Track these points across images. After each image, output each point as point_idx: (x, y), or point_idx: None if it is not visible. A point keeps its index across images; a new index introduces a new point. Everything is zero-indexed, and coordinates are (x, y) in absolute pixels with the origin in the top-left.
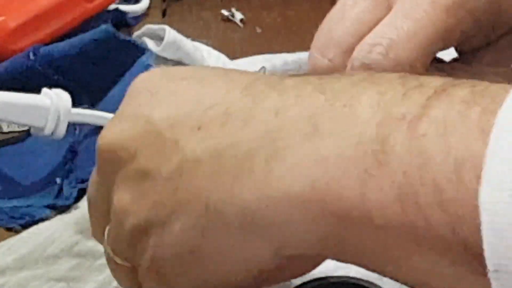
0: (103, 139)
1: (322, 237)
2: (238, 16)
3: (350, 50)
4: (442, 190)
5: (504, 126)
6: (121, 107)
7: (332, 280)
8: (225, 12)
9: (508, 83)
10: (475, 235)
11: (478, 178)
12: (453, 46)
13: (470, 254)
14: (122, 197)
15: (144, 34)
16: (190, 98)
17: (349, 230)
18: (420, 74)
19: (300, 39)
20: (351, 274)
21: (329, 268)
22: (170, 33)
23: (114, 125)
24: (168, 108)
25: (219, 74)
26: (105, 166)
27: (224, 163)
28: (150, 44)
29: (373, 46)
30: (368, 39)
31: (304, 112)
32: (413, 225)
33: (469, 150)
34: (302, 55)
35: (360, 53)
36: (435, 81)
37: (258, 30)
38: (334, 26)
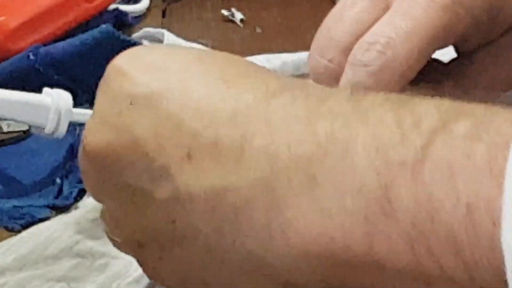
0: (88, 145)
1: (329, 278)
2: (238, 16)
3: (349, 50)
4: (455, 237)
5: None
6: (99, 104)
7: None
8: (225, 12)
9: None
10: (495, 279)
11: (493, 221)
12: (452, 45)
13: None
14: (113, 207)
15: (142, 37)
16: (175, 115)
17: (357, 274)
18: (416, 74)
19: (300, 39)
20: None
21: None
22: (169, 37)
23: (98, 131)
24: (151, 124)
25: (207, 83)
26: (92, 170)
27: (222, 206)
28: None
29: (371, 44)
30: (366, 37)
31: (299, 160)
32: (427, 272)
33: (480, 193)
34: (302, 55)
35: (358, 51)
36: (432, 114)
37: (258, 30)
38: (333, 26)
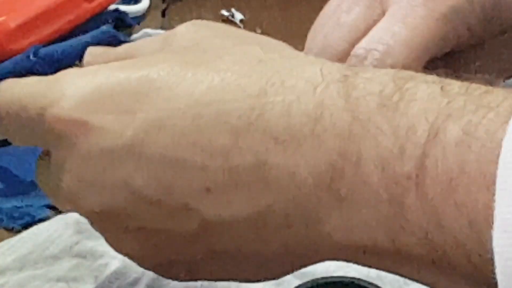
0: (84, 210)
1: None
2: (238, 16)
3: (346, 57)
4: (464, 246)
5: (507, 165)
6: (72, 166)
7: (332, 280)
8: (225, 13)
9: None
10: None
11: (492, 230)
12: (447, 51)
13: None
14: (129, 247)
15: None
16: (169, 156)
17: (382, 262)
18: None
19: (300, 39)
20: (351, 274)
21: (329, 268)
22: None
23: (87, 195)
24: (147, 172)
25: (186, 106)
26: (101, 229)
27: (264, 227)
28: None
29: (369, 51)
30: (364, 43)
31: (322, 179)
32: (440, 264)
33: (478, 205)
34: None
35: (356, 58)
36: (422, 121)
37: (258, 30)
38: (330, 33)
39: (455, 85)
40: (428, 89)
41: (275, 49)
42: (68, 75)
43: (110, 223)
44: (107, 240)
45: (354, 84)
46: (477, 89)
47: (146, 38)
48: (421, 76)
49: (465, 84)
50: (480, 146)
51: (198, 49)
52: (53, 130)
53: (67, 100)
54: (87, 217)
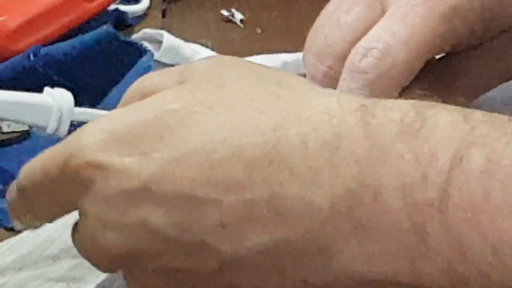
0: (110, 246)
1: None
2: (238, 16)
3: (346, 56)
4: (488, 275)
5: None
6: (91, 208)
7: None
8: (225, 13)
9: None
10: None
11: None
12: (447, 51)
13: None
14: (150, 284)
15: (141, 38)
16: (184, 194)
17: None
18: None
19: (300, 39)
20: None
21: None
22: (168, 39)
23: (109, 236)
24: (164, 211)
25: (205, 143)
26: (122, 269)
27: (279, 259)
28: (149, 48)
29: (368, 49)
30: (364, 42)
31: (340, 209)
32: None
33: (503, 233)
34: (302, 55)
35: (356, 57)
36: (446, 147)
37: (258, 30)
38: (330, 33)
39: (477, 113)
40: (450, 116)
41: (292, 85)
42: (83, 128)
43: (133, 265)
44: (130, 282)
45: (373, 113)
46: (499, 116)
47: (160, 71)
48: (442, 104)
49: (487, 112)
50: (505, 175)
51: (215, 86)
52: (76, 179)
53: (86, 147)
54: (113, 262)
